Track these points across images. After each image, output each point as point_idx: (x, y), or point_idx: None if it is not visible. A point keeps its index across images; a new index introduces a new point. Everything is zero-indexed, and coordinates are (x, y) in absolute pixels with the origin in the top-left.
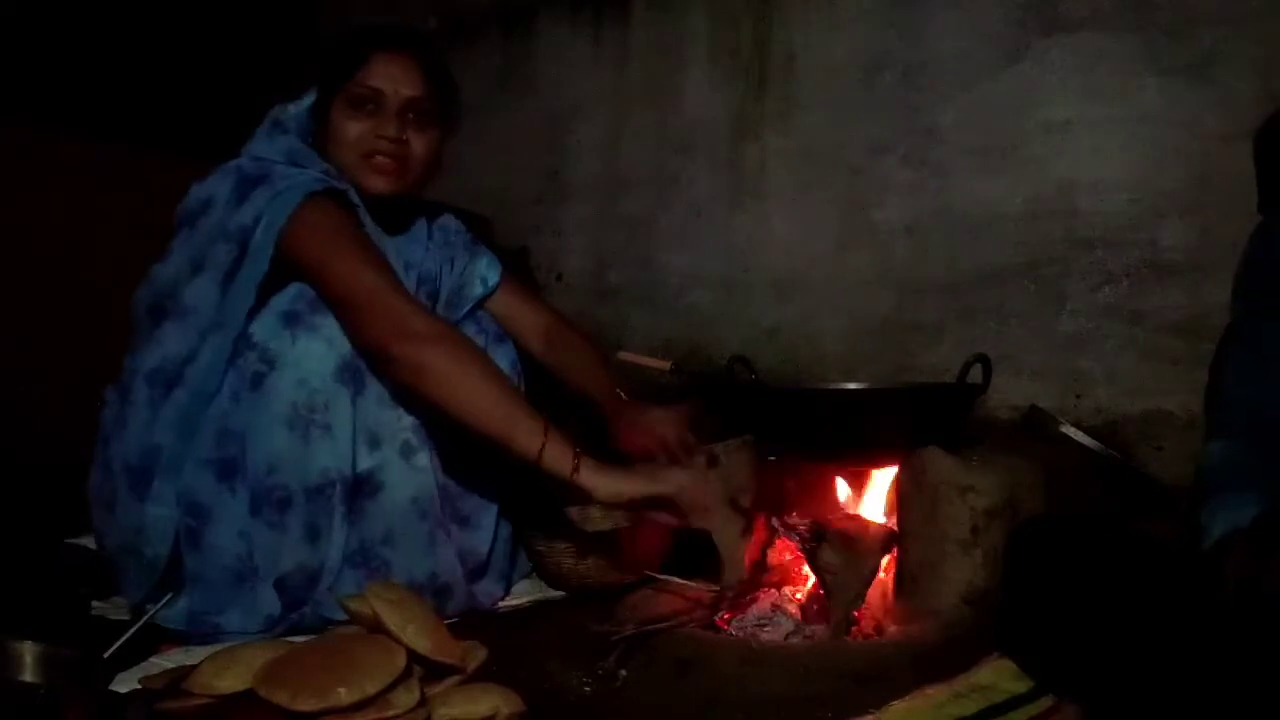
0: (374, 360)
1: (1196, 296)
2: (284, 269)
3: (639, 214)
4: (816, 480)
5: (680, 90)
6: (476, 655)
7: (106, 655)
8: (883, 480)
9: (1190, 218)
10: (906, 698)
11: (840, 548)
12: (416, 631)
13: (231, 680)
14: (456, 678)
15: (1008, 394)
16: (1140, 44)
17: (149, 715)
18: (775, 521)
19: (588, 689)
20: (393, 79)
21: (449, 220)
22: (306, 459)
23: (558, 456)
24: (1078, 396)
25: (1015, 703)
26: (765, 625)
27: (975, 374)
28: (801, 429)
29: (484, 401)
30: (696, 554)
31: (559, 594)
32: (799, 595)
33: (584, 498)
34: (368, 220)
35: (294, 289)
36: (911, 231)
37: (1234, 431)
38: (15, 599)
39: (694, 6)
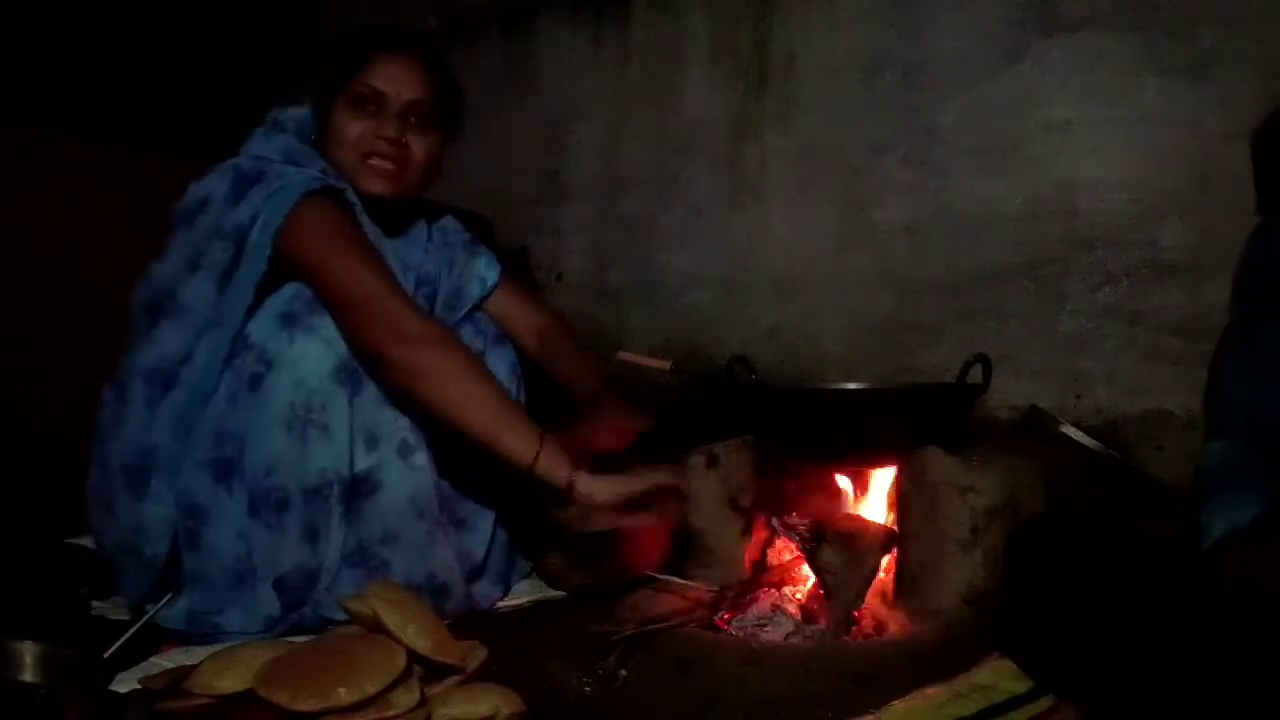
0: (369, 361)
1: (1196, 296)
2: (281, 268)
3: (639, 214)
4: (816, 480)
5: (680, 90)
6: (476, 655)
7: (106, 655)
8: (883, 480)
9: (1190, 218)
10: (906, 698)
11: (840, 548)
12: (416, 631)
13: (231, 680)
14: (456, 678)
15: (1008, 394)
16: (1140, 44)
17: (149, 715)
18: (775, 521)
19: (588, 689)
20: (395, 81)
21: (448, 221)
22: (304, 460)
23: (552, 465)
24: (1078, 396)
25: (1015, 703)
26: (765, 625)
27: (975, 374)
28: (801, 429)
29: (477, 407)
30: (679, 552)
31: (559, 594)
32: (799, 595)
33: (579, 505)
34: (366, 220)
35: (291, 289)
36: (911, 231)
37: (1233, 432)
38: (15, 599)
39: (694, 6)
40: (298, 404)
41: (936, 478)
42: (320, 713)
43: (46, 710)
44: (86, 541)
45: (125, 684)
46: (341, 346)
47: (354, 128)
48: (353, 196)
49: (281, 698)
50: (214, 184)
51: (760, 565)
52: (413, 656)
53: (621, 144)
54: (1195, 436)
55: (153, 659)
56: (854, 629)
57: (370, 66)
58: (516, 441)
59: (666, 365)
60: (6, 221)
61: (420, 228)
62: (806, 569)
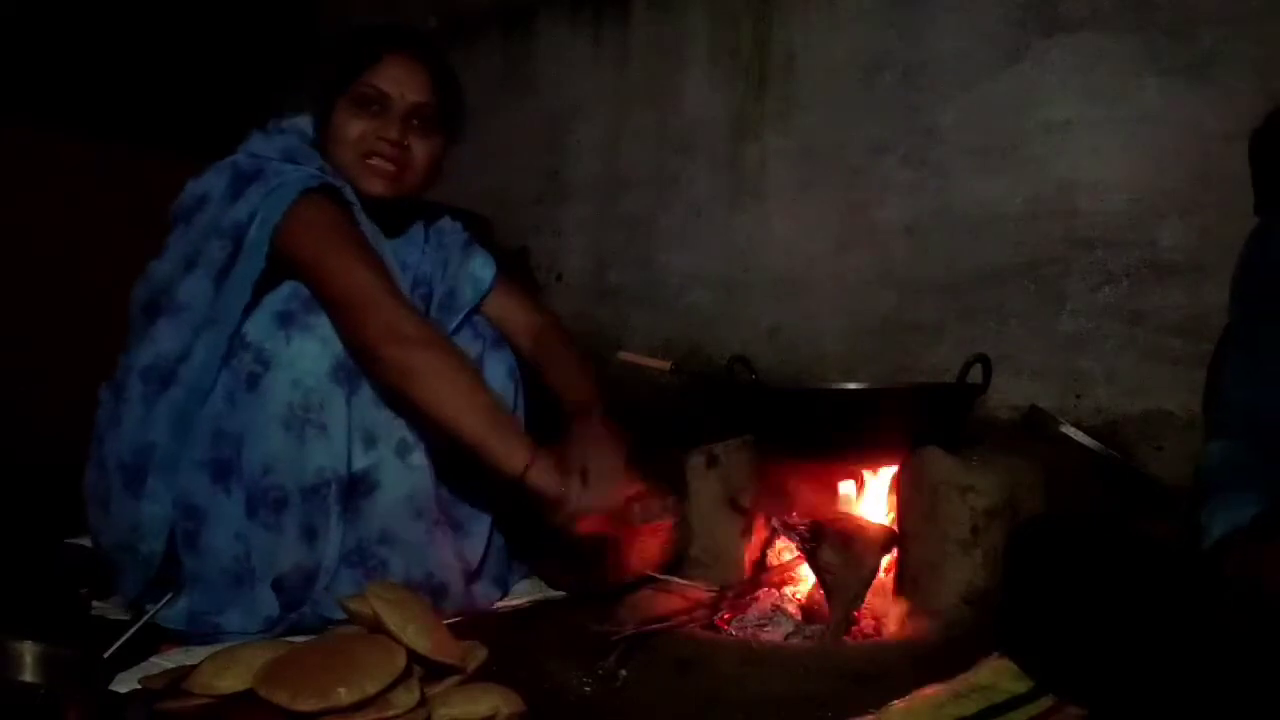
0: (363, 360)
1: (1196, 296)
2: (279, 266)
3: (639, 214)
4: (816, 480)
5: (680, 90)
6: (476, 655)
7: (106, 655)
8: (883, 480)
9: (1190, 218)
10: (906, 698)
11: (840, 548)
12: (416, 631)
13: (231, 680)
14: (456, 678)
15: (1008, 394)
16: (1140, 44)
17: (149, 715)
18: (775, 521)
19: (588, 689)
20: (400, 82)
21: (446, 222)
22: (302, 459)
23: (542, 475)
24: (1078, 396)
25: (1015, 703)
26: (765, 625)
27: (975, 374)
28: (801, 429)
29: (470, 412)
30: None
31: (559, 594)
32: (799, 595)
33: (568, 513)
34: (364, 219)
35: (287, 288)
36: (911, 231)
37: (1233, 433)
38: (15, 599)
39: (694, 6)
40: (295, 403)
41: (936, 478)
42: (320, 713)
43: (46, 710)
44: (86, 541)
45: (125, 684)
46: (339, 346)
47: (356, 127)
48: (351, 195)
49: (281, 698)
50: (212, 182)
51: (760, 565)
52: (413, 656)
53: (621, 144)
54: (1195, 436)
55: (153, 659)
56: (854, 629)
57: (375, 67)
58: (508, 450)
59: (666, 365)
60: (6, 221)
61: (418, 228)
62: (806, 569)
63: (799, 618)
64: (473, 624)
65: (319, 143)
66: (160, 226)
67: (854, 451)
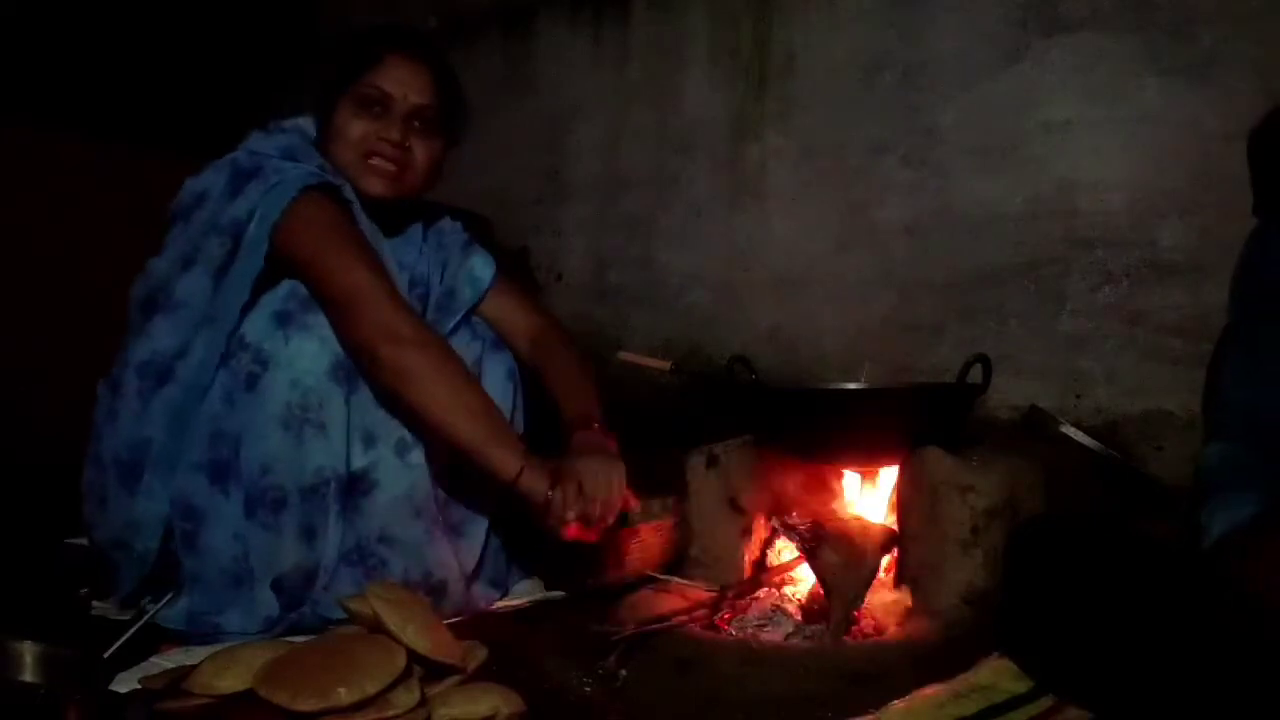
0: (359, 359)
1: (1196, 296)
2: (277, 264)
3: (639, 214)
4: (816, 480)
5: (680, 90)
6: (476, 655)
7: (106, 655)
8: (883, 480)
9: (1190, 218)
10: (906, 698)
11: (840, 548)
12: (416, 631)
13: (231, 680)
14: (456, 678)
15: (1008, 394)
16: (1140, 44)
17: (149, 715)
18: (775, 521)
19: (588, 689)
20: (403, 84)
21: (446, 222)
22: (301, 459)
23: (534, 481)
24: (1078, 396)
25: (1015, 703)
26: (765, 625)
27: (975, 374)
28: (801, 429)
29: (462, 414)
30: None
31: (559, 594)
32: (799, 595)
33: (559, 518)
34: (363, 218)
35: (285, 287)
36: (911, 231)
37: (1232, 434)
38: (15, 599)
39: (694, 6)
40: (294, 403)
41: (936, 478)
42: (320, 713)
43: (46, 710)
44: (86, 541)
45: (125, 684)
46: (337, 345)
47: (357, 127)
48: (350, 194)
49: (281, 698)
50: (211, 179)
51: (760, 565)
52: (413, 656)
53: (621, 144)
54: (1195, 436)
55: (153, 659)
56: (854, 629)
57: (378, 68)
58: (501, 455)
59: (666, 365)
60: (6, 221)
61: (416, 228)
62: (806, 569)
63: (799, 618)
64: (473, 624)
65: (320, 142)
66: (160, 226)
67: (854, 451)
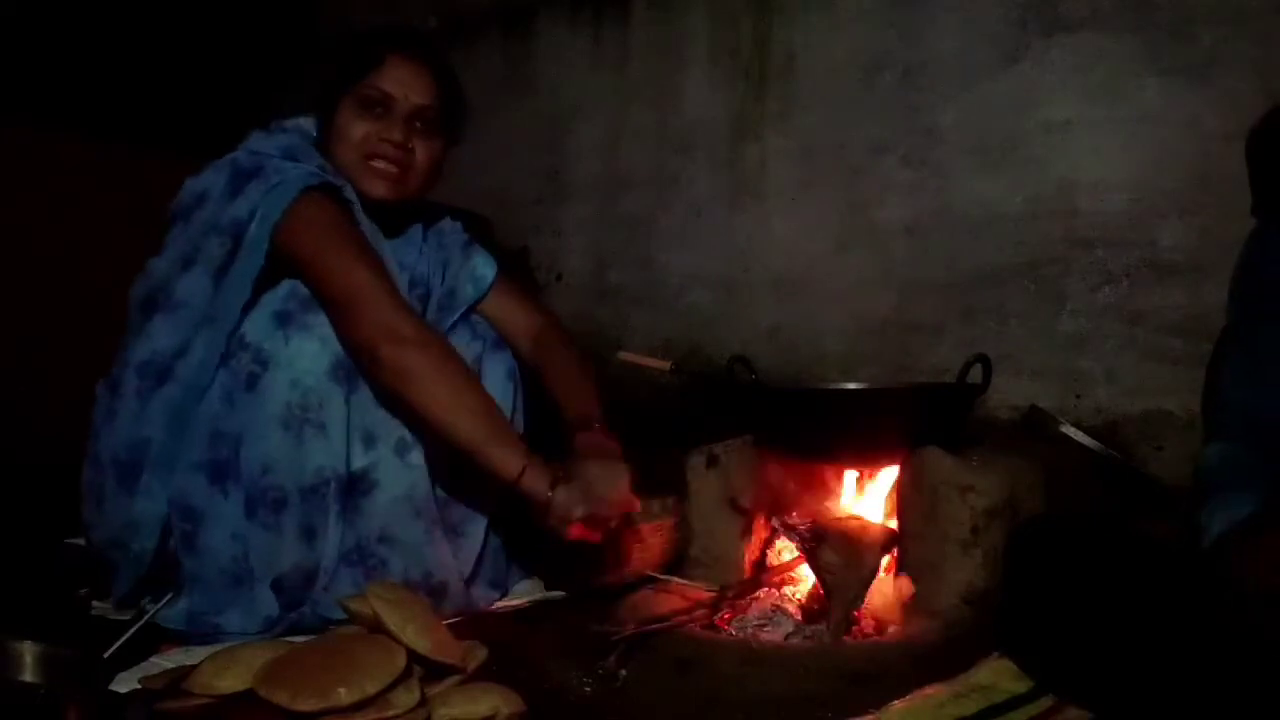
0: (360, 359)
1: (1196, 296)
2: (277, 264)
3: (639, 214)
4: (816, 480)
5: (680, 90)
6: (476, 655)
7: (106, 655)
8: (883, 480)
9: (1190, 218)
10: (906, 698)
11: (840, 548)
12: (416, 631)
13: (231, 680)
14: (456, 678)
15: (1008, 394)
16: (1140, 44)
17: (149, 715)
18: (775, 521)
19: (588, 689)
20: (404, 84)
21: (446, 223)
22: (301, 459)
23: (536, 481)
24: (1078, 396)
25: (1015, 703)
26: (765, 625)
27: (975, 374)
28: (801, 429)
29: (464, 414)
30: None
31: (559, 594)
32: (799, 595)
33: (560, 517)
34: (363, 219)
35: (286, 287)
36: (911, 231)
37: (1231, 434)
38: (15, 599)
39: (694, 6)
40: (294, 403)
41: (936, 478)
42: (320, 713)
43: (46, 710)
44: (85, 542)
45: (125, 684)
46: (338, 345)
47: (359, 128)
48: (351, 194)
49: (281, 698)
50: (211, 179)
51: (760, 565)
52: (413, 656)
53: (621, 144)
54: (1195, 436)
55: (153, 659)
56: (854, 629)
57: (379, 69)
58: (502, 454)
59: (666, 365)
60: (6, 221)
61: (417, 228)
62: (806, 569)
63: (799, 618)
64: (473, 624)
65: (321, 143)
66: (160, 226)
67: (854, 451)
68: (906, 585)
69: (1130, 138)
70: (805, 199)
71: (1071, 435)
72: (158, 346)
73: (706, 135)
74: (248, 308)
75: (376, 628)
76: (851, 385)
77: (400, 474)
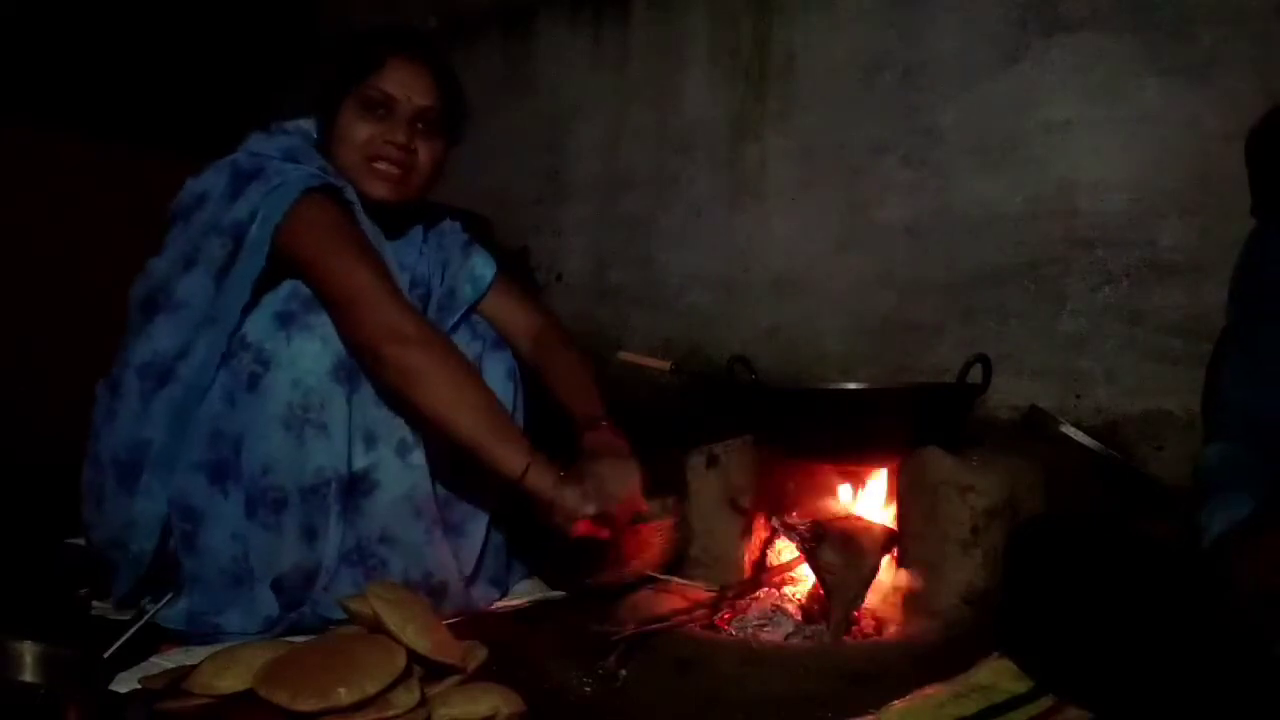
0: (363, 359)
1: (1196, 296)
2: (278, 265)
3: (639, 214)
4: (816, 480)
5: (680, 90)
6: (476, 655)
7: (106, 655)
8: (883, 480)
9: (1190, 218)
10: (906, 698)
11: (840, 548)
12: (416, 631)
13: (231, 680)
14: (456, 678)
15: (1008, 394)
16: (1140, 44)
17: (149, 715)
18: (775, 521)
19: (588, 689)
20: (407, 86)
21: (446, 223)
22: (302, 459)
23: (540, 479)
24: (1078, 396)
25: (1015, 703)
26: (765, 625)
27: (975, 374)
28: (801, 429)
29: (468, 412)
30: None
31: (559, 594)
32: (799, 595)
33: (565, 515)
34: (364, 220)
35: (288, 287)
36: (911, 231)
37: (1231, 434)
38: (15, 599)
39: (694, 6)
40: (295, 403)
41: (936, 478)
42: (320, 713)
43: (46, 710)
44: (85, 541)
45: (125, 684)
46: (339, 345)
47: (362, 130)
48: (352, 195)
49: (281, 698)
50: (211, 180)
51: (760, 565)
52: (413, 656)
53: (621, 144)
54: (1195, 436)
55: (153, 659)
56: (854, 629)
57: (381, 70)
58: (507, 452)
59: (666, 365)
60: (6, 221)
61: (417, 229)
62: (806, 569)
63: (799, 618)
64: (473, 624)
65: (322, 144)
66: (160, 226)
67: (854, 451)
68: (907, 585)
69: (1130, 138)
70: (805, 199)
71: (1071, 435)
72: (159, 347)
73: (706, 135)
74: (248, 308)
75: (376, 628)
76: (851, 385)
77: (401, 474)
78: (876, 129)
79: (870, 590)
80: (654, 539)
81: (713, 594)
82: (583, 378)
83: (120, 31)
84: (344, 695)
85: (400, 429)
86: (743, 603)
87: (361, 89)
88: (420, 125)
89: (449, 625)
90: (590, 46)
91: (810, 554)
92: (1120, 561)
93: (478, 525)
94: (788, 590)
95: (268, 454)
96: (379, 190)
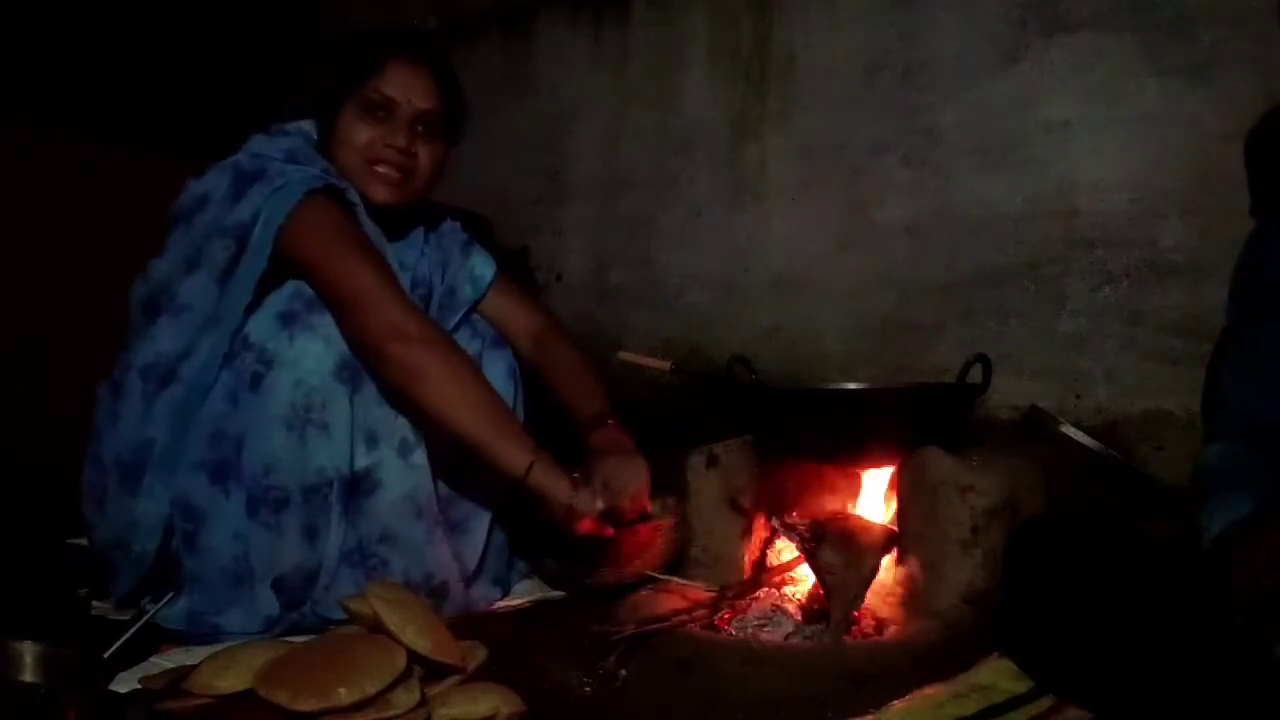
0: (367, 358)
1: (1196, 296)
2: (281, 266)
3: (639, 214)
4: (816, 480)
5: (680, 90)
6: (476, 655)
7: (106, 655)
8: (883, 480)
9: (1190, 218)
10: (906, 698)
11: (840, 548)
12: (416, 631)
13: (231, 680)
14: (456, 678)
15: (1008, 394)
16: (1140, 44)
17: (149, 715)
18: (775, 521)
19: (588, 689)
20: (407, 89)
21: (446, 223)
22: (303, 459)
23: (544, 476)
24: (1078, 396)
25: (1015, 703)
26: (765, 625)
27: (975, 374)
28: (801, 429)
29: (473, 411)
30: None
31: (559, 594)
32: (799, 595)
33: (568, 513)
34: (366, 220)
35: (290, 288)
36: (911, 231)
37: (1231, 434)
38: (15, 599)
39: (694, 6)
40: (298, 403)
41: (936, 478)
42: (320, 713)
43: (46, 710)
44: (85, 541)
45: (125, 684)
46: (342, 345)
47: (363, 134)
48: (354, 197)
49: (281, 698)
50: (213, 182)
51: (760, 565)
52: (413, 656)
53: (621, 144)
54: (1195, 436)
55: (153, 659)
56: (854, 629)
57: (383, 73)
58: (511, 450)
59: (666, 365)
60: (6, 221)
61: (418, 229)
62: (806, 569)
63: (799, 618)
64: (473, 624)
65: (323, 146)
66: (160, 226)
67: (854, 451)
68: (907, 585)
69: (1130, 138)
70: (805, 199)
71: (1071, 435)
72: (161, 349)
73: (706, 135)
74: (251, 308)
75: (376, 628)
76: (851, 385)
77: (403, 474)
78: (876, 129)
79: (870, 590)
80: (654, 539)
81: (713, 594)
82: (586, 376)
83: (120, 32)
84: (344, 695)
85: (402, 429)
86: (743, 603)
87: (362, 92)
88: (421, 128)
89: (449, 625)
90: (590, 46)
91: (810, 554)
92: (1120, 561)
93: (480, 523)
94: (788, 590)
95: (270, 453)
96: (380, 194)
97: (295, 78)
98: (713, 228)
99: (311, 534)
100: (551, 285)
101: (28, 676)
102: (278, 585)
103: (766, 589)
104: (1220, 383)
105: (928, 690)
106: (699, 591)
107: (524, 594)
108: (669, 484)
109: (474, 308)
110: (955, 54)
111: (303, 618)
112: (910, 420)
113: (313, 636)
